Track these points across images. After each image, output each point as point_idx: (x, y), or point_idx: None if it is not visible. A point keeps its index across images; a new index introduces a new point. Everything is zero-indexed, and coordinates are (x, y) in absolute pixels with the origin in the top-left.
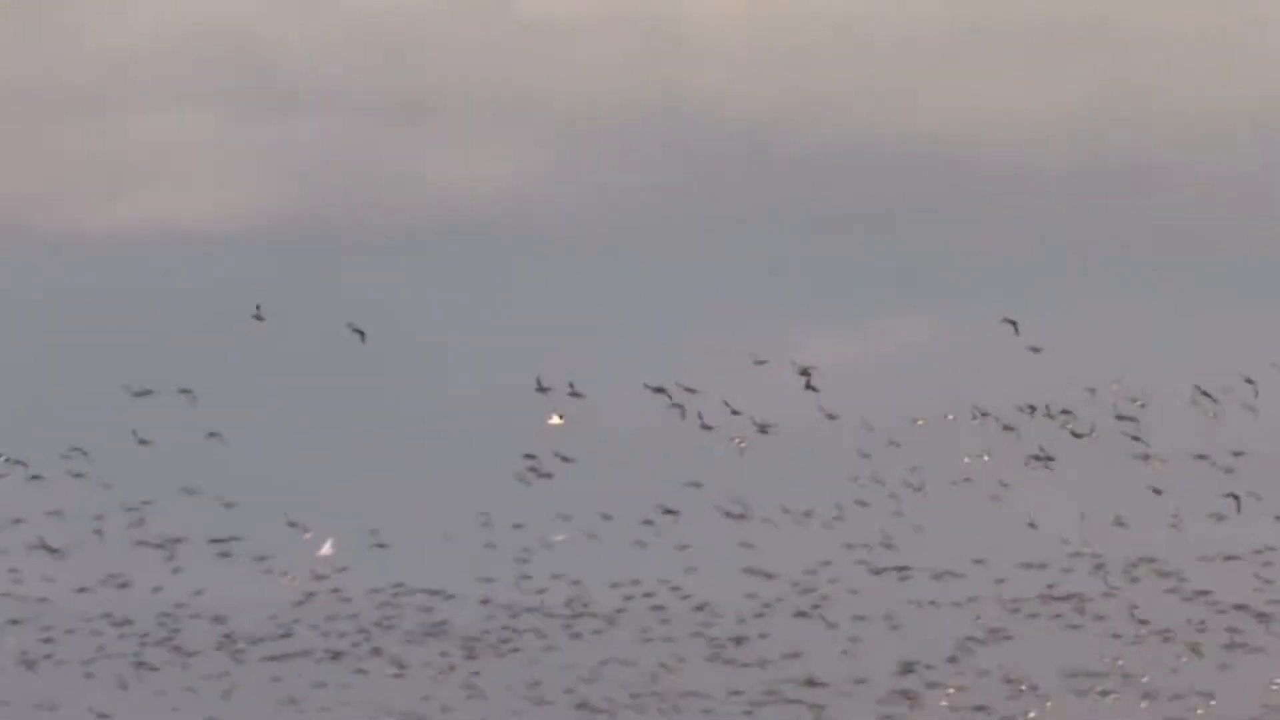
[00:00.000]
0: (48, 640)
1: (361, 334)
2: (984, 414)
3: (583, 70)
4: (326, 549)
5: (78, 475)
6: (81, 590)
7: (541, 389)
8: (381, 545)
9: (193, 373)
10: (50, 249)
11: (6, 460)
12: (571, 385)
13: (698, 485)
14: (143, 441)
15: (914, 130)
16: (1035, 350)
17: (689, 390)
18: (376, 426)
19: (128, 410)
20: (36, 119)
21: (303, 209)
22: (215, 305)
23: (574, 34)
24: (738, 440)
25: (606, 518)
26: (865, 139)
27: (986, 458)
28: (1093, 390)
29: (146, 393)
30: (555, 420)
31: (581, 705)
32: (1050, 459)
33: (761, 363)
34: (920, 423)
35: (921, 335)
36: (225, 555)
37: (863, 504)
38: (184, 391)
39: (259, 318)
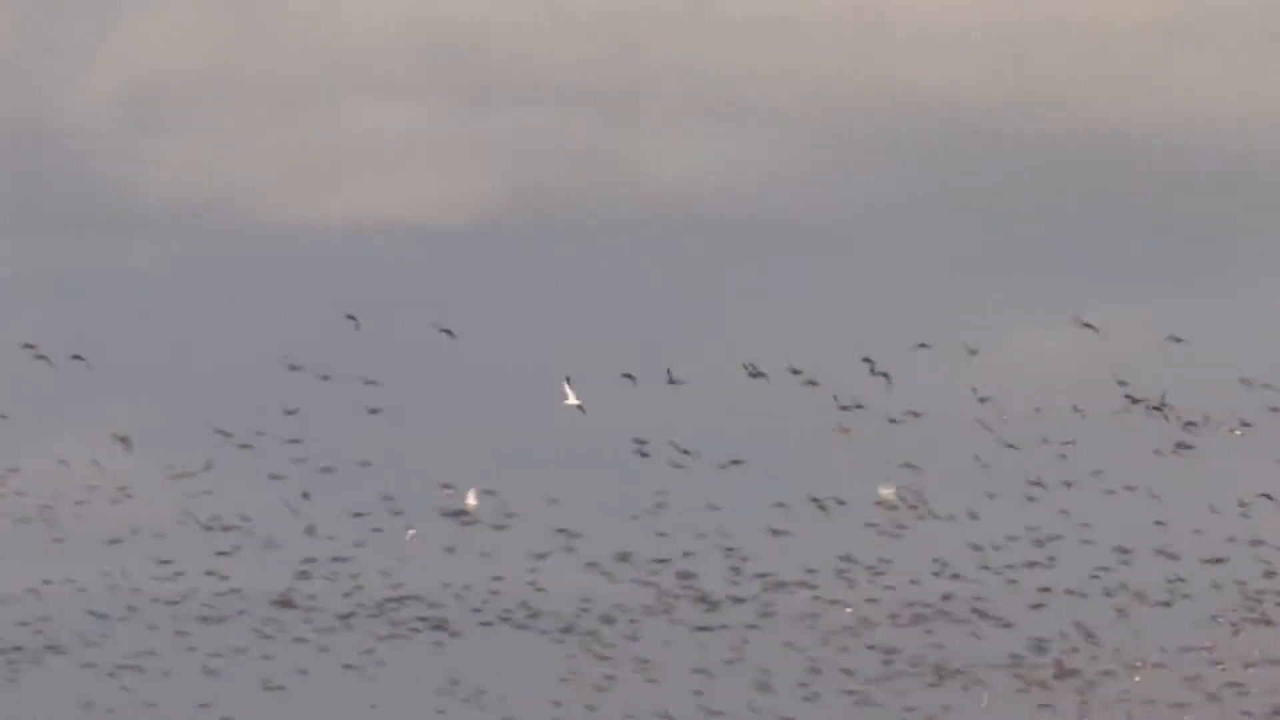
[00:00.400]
0: None
1: (450, 333)
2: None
3: (798, 63)
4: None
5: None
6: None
7: (672, 381)
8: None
9: (402, 361)
10: (267, 240)
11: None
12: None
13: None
14: (373, 411)
15: (1136, 121)
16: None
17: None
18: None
19: (356, 393)
20: (253, 112)
21: (516, 201)
22: (428, 295)
23: (790, 27)
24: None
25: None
26: (1086, 130)
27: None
28: None
29: (372, 383)
30: (571, 400)
31: None
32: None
33: (974, 352)
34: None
35: (1136, 325)
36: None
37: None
38: (369, 383)
39: (447, 332)
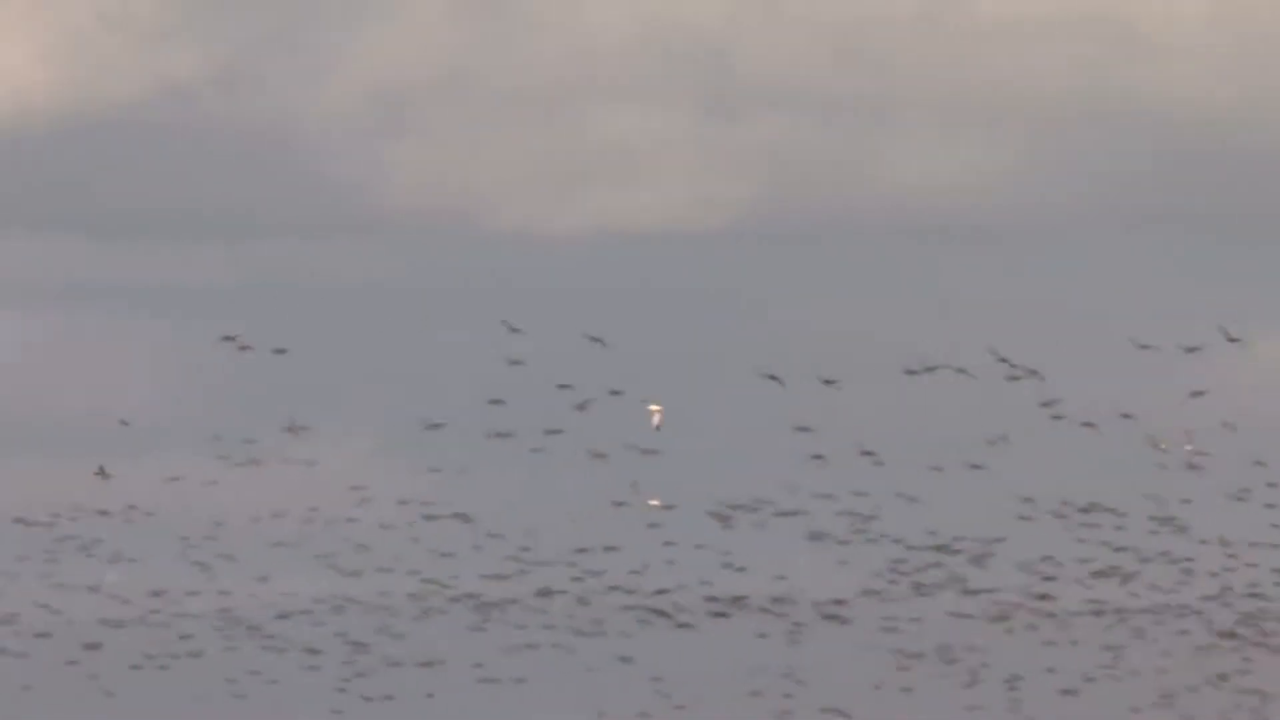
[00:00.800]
0: None
1: (600, 341)
2: None
3: (1042, 70)
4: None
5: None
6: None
7: (776, 378)
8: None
9: (652, 374)
10: (498, 247)
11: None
12: (825, 377)
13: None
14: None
15: None
16: None
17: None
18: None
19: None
20: (493, 114)
21: (762, 208)
22: (671, 305)
23: (1034, 34)
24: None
25: None
26: None
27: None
28: None
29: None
30: (655, 416)
31: None
32: None
33: (1194, 350)
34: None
35: None
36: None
37: None
38: (615, 391)
39: (598, 340)
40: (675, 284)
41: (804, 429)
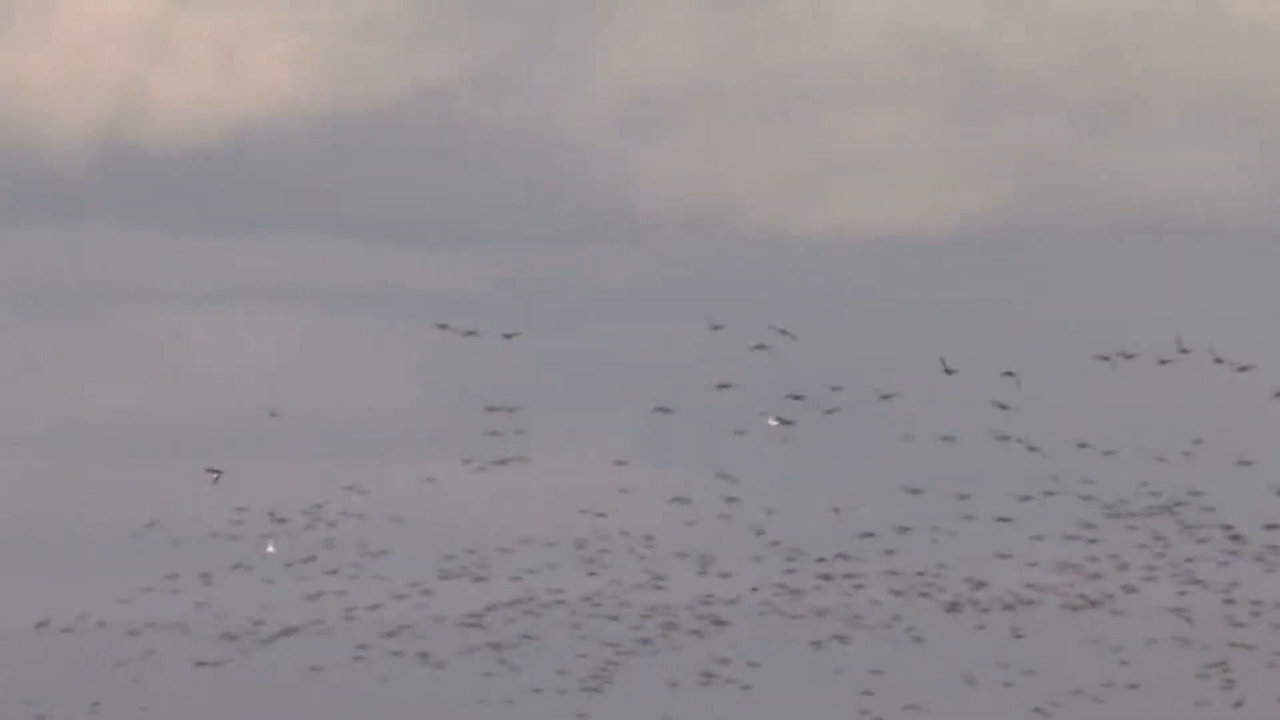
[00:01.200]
0: None
1: (948, 369)
2: None
3: None
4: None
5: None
6: None
7: (948, 371)
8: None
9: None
10: (747, 251)
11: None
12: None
13: None
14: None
15: None
16: None
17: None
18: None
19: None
20: (744, 119)
21: (1012, 212)
22: (919, 309)
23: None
24: None
25: None
26: None
27: None
28: None
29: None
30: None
31: None
32: None
33: None
34: None
35: None
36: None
37: None
38: (885, 397)
39: (785, 333)
40: (923, 288)
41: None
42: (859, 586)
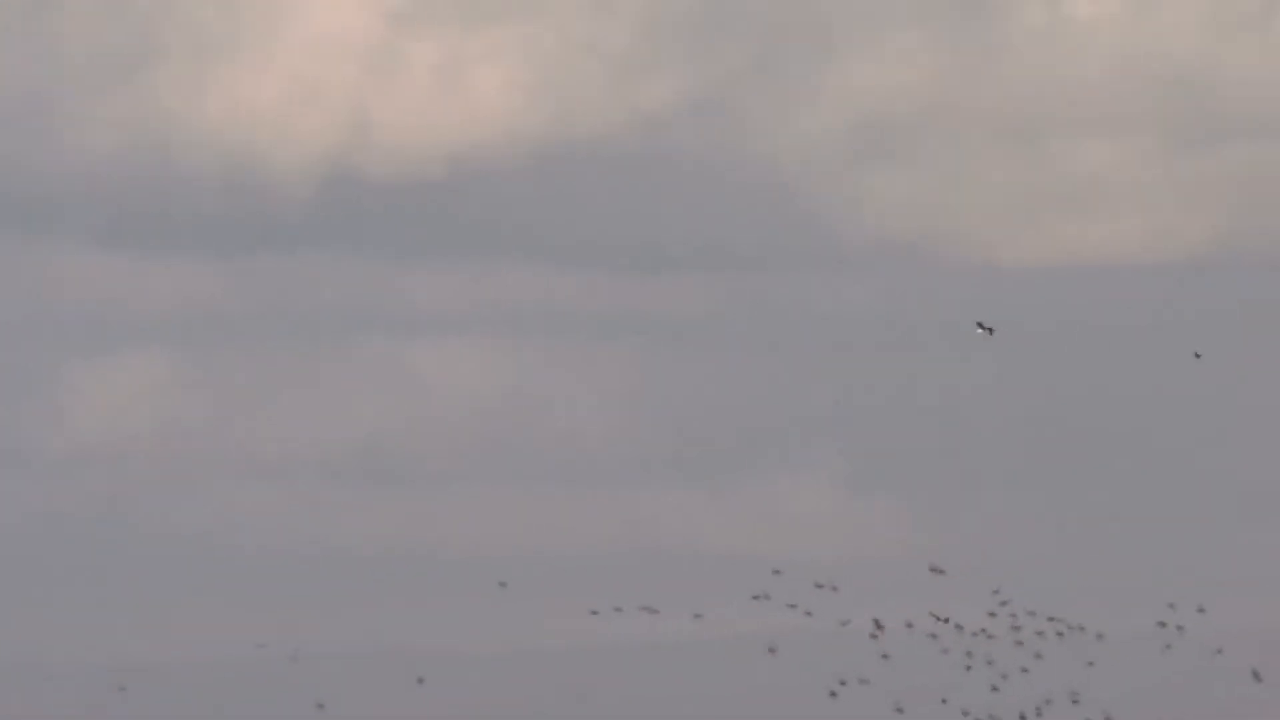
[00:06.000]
0: None
1: (987, 329)
2: None
3: None
4: None
5: None
6: None
7: (984, 327)
8: None
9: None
10: (962, 277)
11: None
12: None
13: None
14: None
15: None
16: None
17: None
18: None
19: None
20: (969, 147)
21: (1230, 240)
22: (1139, 339)
23: None
24: None
25: None
26: None
27: None
28: None
29: None
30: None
31: None
32: None
33: None
34: None
35: None
36: None
37: None
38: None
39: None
40: (1142, 318)
41: None
42: None
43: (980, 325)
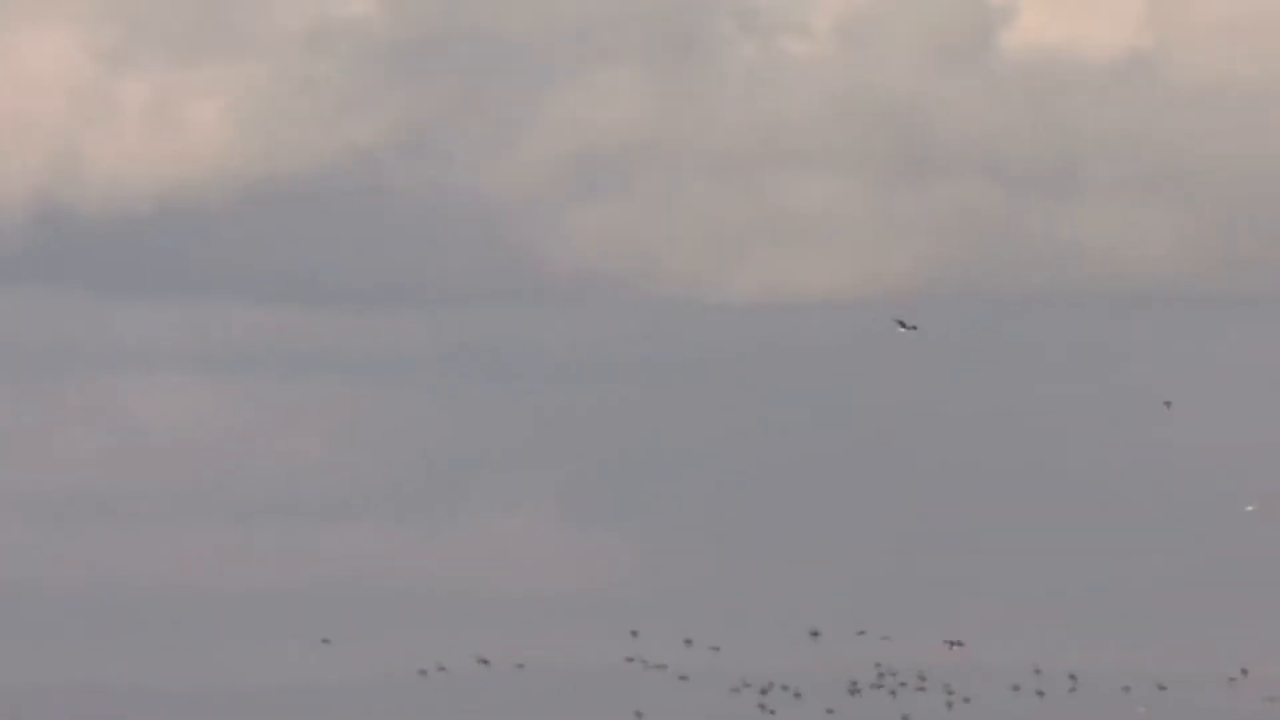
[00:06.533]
0: None
1: (907, 325)
2: None
3: (1235, 135)
4: None
5: None
6: None
7: (905, 327)
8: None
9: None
10: (667, 312)
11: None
12: None
13: None
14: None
15: None
16: None
17: None
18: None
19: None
20: (678, 181)
21: (939, 275)
22: (831, 372)
23: (1228, 99)
24: None
25: None
26: None
27: None
28: None
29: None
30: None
31: None
32: None
33: None
34: None
35: None
36: None
37: None
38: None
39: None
40: (837, 351)
41: None
42: None
43: (902, 324)
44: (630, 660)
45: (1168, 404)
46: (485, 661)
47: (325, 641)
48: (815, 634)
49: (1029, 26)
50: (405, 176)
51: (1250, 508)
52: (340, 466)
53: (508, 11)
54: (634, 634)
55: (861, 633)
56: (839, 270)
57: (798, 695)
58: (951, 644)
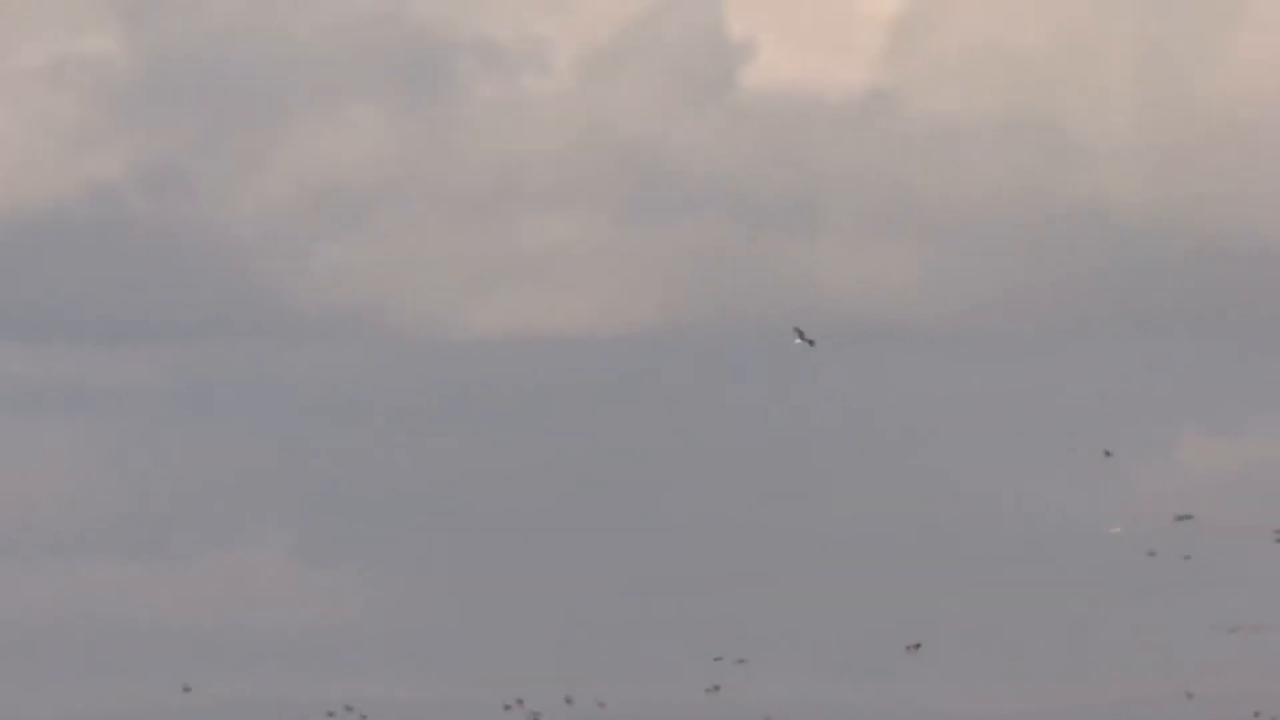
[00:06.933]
0: None
1: (805, 338)
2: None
3: (970, 173)
4: None
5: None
6: None
7: (805, 338)
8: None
9: (557, 470)
10: (411, 347)
11: None
12: None
13: None
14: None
15: None
16: None
17: None
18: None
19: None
20: (421, 218)
21: (680, 312)
22: (581, 407)
23: (962, 137)
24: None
25: None
26: (1251, 240)
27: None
28: None
29: None
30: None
31: None
32: None
33: (1109, 455)
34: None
35: None
36: None
37: None
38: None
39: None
40: (584, 386)
41: None
42: None
43: (800, 335)
44: (349, 708)
45: (1108, 453)
46: (188, 689)
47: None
48: (520, 702)
49: (770, 64)
50: (148, 212)
51: (1115, 529)
52: (78, 501)
53: (250, 47)
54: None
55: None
56: (581, 307)
57: None
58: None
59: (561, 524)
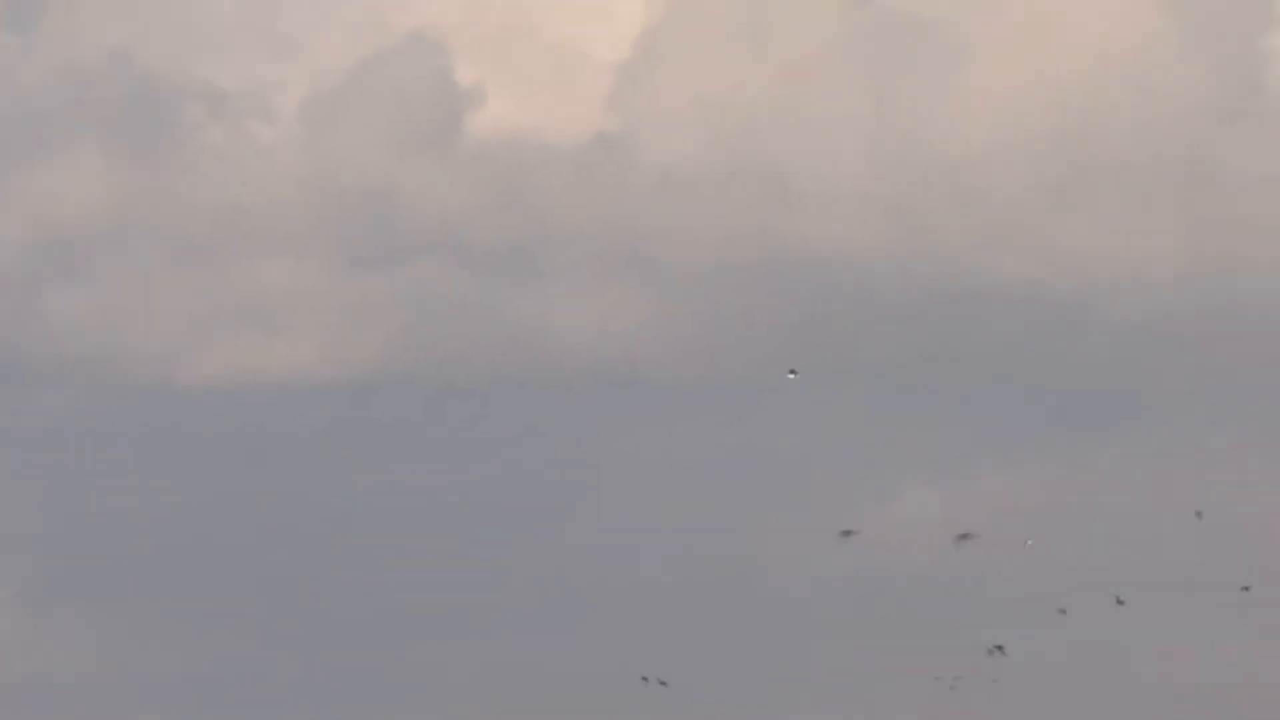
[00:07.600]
0: None
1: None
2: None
3: (701, 218)
4: None
5: None
6: None
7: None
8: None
9: (281, 520)
10: (136, 395)
11: None
12: None
13: None
14: None
15: (1021, 276)
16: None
17: None
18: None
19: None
20: (144, 265)
21: (403, 357)
22: (306, 453)
23: (693, 181)
24: None
25: None
26: (971, 286)
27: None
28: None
29: None
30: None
31: None
32: None
33: (849, 534)
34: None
35: (1019, 486)
36: None
37: None
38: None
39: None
40: (309, 432)
41: None
42: None
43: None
44: None
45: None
46: None
47: None
48: None
49: (497, 110)
50: None
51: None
52: None
53: None
54: None
55: None
56: (304, 353)
57: None
58: None
59: (286, 567)
